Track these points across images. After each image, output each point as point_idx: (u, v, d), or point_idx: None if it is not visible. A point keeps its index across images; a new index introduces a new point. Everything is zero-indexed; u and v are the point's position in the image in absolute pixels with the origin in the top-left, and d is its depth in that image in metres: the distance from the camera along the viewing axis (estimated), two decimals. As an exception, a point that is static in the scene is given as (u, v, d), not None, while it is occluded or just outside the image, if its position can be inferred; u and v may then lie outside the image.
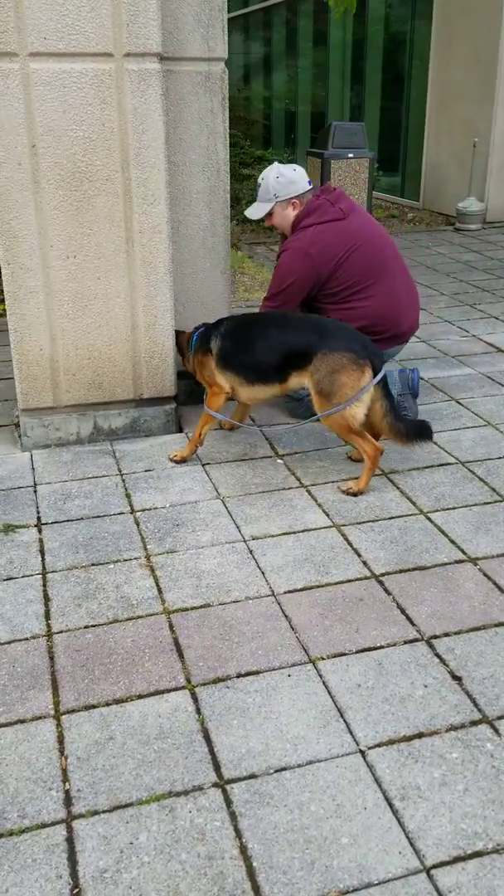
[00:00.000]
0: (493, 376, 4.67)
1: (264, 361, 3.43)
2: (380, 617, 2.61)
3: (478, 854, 1.80)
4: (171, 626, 2.58)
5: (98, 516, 3.25)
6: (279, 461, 3.69)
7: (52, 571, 2.89)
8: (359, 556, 2.94)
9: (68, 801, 1.97)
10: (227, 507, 3.29)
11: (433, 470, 3.56)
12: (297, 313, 3.78)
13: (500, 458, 3.66)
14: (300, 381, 3.38)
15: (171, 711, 2.23)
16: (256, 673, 2.37)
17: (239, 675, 2.36)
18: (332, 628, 2.55)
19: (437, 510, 3.23)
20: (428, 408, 4.20)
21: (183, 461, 3.68)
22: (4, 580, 2.84)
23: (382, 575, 2.83)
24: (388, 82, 11.66)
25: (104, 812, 1.94)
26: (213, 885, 1.75)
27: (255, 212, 3.94)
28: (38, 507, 3.32)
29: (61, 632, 2.57)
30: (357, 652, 2.45)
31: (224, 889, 1.74)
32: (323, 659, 2.42)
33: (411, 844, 1.83)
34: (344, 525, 3.15)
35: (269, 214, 3.92)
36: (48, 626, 2.60)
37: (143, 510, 3.29)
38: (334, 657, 2.42)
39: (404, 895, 1.71)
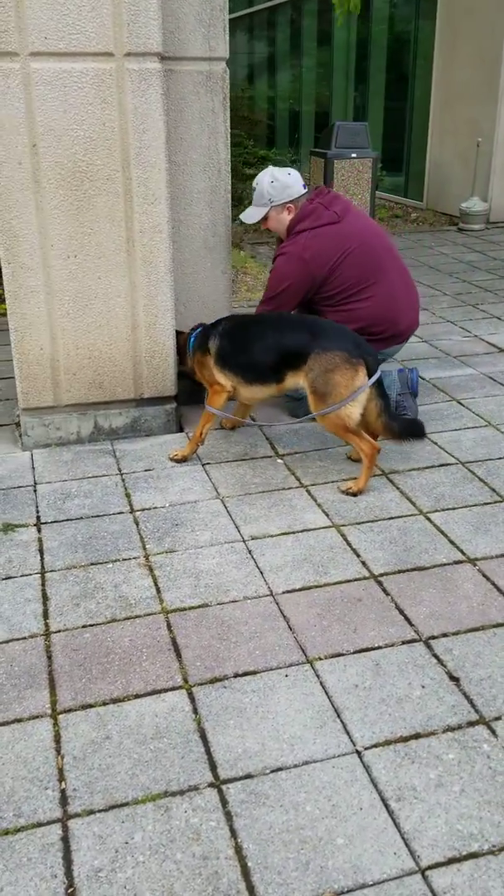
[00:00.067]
0: (494, 377, 4.66)
1: (261, 362, 3.45)
2: (378, 617, 2.60)
3: (473, 855, 1.80)
4: (168, 626, 2.58)
5: (97, 516, 3.25)
6: (279, 461, 3.69)
7: (51, 571, 2.89)
8: (358, 556, 2.94)
9: (64, 800, 1.97)
10: (226, 507, 3.29)
11: (433, 470, 3.56)
12: (293, 314, 3.79)
13: (500, 458, 3.65)
14: (296, 381, 3.39)
15: (168, 711, 2.23)
16: (254, 673, 2.37)
17: (236, 675, 2.36)
18: (330, 628, 2.55)
19: (436, 510, 3.23)
20: (429, 408, 4.19)
21: (184, 460, 3.68)
22: (3, 579, 2.84)
23: (381, 575, 2.82)
24: (392, 82, 11.65)
25: (100, 811, 1.94)
26: (208, 885, 1.75)
27: (250, 216, 3.94)
28: (37, 507, 3.32)
29: (59, 631, 2.57)
30: (355, 652, 2.44)
31: (218, 889, 1.74)
32: (320, 659, 2.42)
33: (406, 845, 1.83)
34: (343, 525, 3.14)
35: (265, 218, 3.92)
36: (46, 625, 2.60)
37: (143, 510, 3.29)
38: (332, 657, 2.42)
39: (399, 896, 1.72)
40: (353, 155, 7.75)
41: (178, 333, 3.87)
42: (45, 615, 2.65)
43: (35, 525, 3.18)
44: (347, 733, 2.14)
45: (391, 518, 3.19)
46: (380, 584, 2.78)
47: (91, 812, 1.93)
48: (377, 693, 2.28)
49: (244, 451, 3.79)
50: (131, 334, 3.78)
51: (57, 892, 1.75)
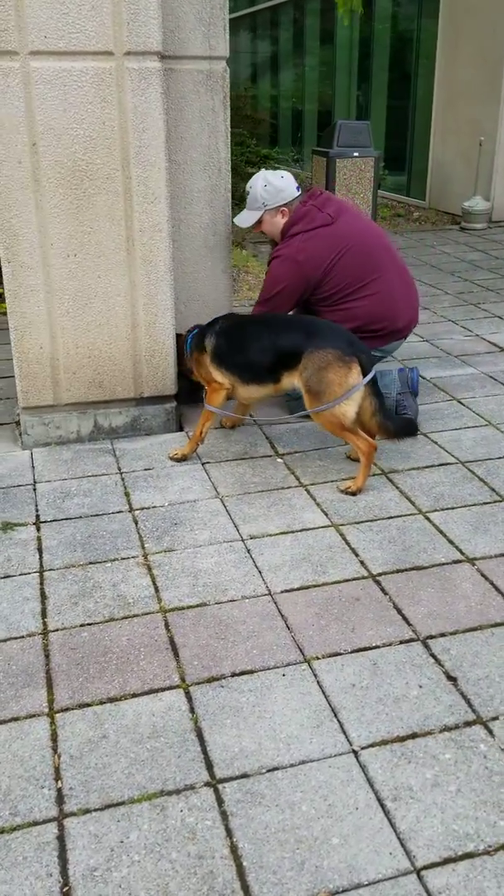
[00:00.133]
0: (495, 376, 4.66)
1: (257, 362, 3.47)
2: (376, 617, 2.60)
3: (469, 855, 1.80)
4: (166, 625, 2.58)
5: (97, 515, 3.25)
6: (279, 460, 3.68)
7: (50, 570, 2.89)
8: (356, 555, 2.94)
9: (60, 799, 1.97)
10: (225, 506, 3.29)
11: (433, 469, 3.55)
12: (287, 314, 3.80)
13: (500, 458, 3.64)
14: (292, 381, 3.41)
15: (165, 710, 2.23)
16: (251, 672, 2.37)
17: (233, 675, 2.36)
18: (328, 628, 2.55)
19: (435, 510, 3.22)
20: (429, 407, 4.19)
21: (183, 459, 3.68)
22: (2, 578, 2.84)
23: (379, 575, 2.82)
24: (395, 81, 11.64)
25: (96, 810, 1.94)
26: (203, 884, 1.75)
27: (244, 220, 3.94)
28: (37, 506, 3.32)
29: (57, 630, 2.57)
30: (352, 652, 2.44)
31: (213, 889, 1.74)
32: (318, 658, 2.42)
33: (402, 845, 1.83)
34: (342, 524, 3.14)
35: (259, 222, 3.92)
36: (44, 624, 2.60)
37: (142, 509, 3.29)
38: (329, 657, 2.42)
39: (394, 896, 1.71)
40: (356, 154, 7.75)
41: (177, 336, 3.87)
42: (44, 614, 2.65)
43: (34, 524, 3.19)
44: (344, 733, 2.14)
45: (390, 517, 3.19)
46: (378, 583, 2.77)
47: (87, 811, 1.94)
48: (374, 692, 2.27)
49: (244, 451, 3.79)
50: (131, 333, 3.78)
51: (52, 891, 1.75)
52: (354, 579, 2.80)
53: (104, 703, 2.26)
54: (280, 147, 15.57)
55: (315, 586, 2.77)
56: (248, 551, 2.97)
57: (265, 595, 2.72)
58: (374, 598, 2.69)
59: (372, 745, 2.10)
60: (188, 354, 3.75)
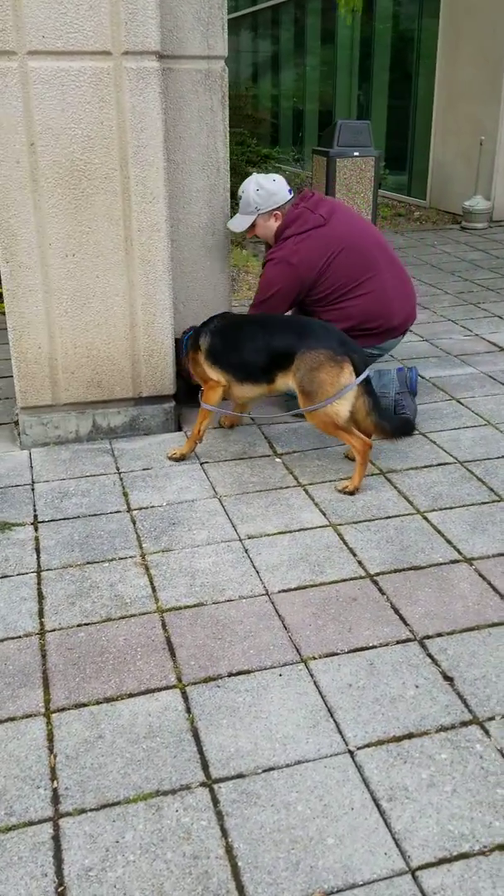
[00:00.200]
0: (494, 375, 4.65)
1: (251, 362, 3.49)
2: (373, 617, 2.60)
3: (463, 856, 1.80)
4: (163, 625, 2.58)
5: (95, 514, 3.25)
6: (277, 460, 3.68)
7: (47, 570, 2.89)
8: (354, 555, 2.94)
9: (56, 799, 1.97)
10: (223, 506, 3.29)
11: (431, 469, 3.55)
12: (281, 315, 3.80)
13: (498, 457, 3.64)
14: (285, 381, 3.43)
15: (161, 710, 2.23)
16: (248, 672, 2.36)
17: (230, 675, 2.36)
18: (325, 628, 2.55)
19: (434, 510, 3.22)
20: (428, 407, 4.19)
21: (182, 458, 3.69)
22: (-1, 578, 2.85)
23: (377, 575, 2.82)
24: (396, 81, 11.63)
25: (91, 810, 1.94)
26: (198, 884, 1.75)
27: (237, 225, 3.94)
28: (35, 505, 3.32)
29: (54, 630, 2.57)
30: (349, 652, 2.44)
31: (208, 889, 1.74)
32: (315, 658, 2.41)
33: (397, 845, 1.82)
34: (340, 524, 3.14)
35: (252, 226, 3.92)
36: (41, 624, 2.60)
37: (140, 508, 3.29)
38: (326, 657, 2.42)
39: (389, 896, 1.71)
40: (356, 153, 7.73)
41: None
42: (41, 614, 2.65)
43: (32, 524, 3.19)
44: (340, 733, 2.14)
45: (388, 517, 3.18)
46: (375, 583, 2.77)
47: (82, 811, 1.94)
48: (371, 693, 2.27)
49: (242, 450, 3.79)
50: (129, 333, 3.78)
51: (47, 891, 1.75)
52: (352, 579, 2.80)
53: (100, 703, 2.26)
54: (281, 146, 15.57)
55: (312, 586, 2.76)
56: (246, 551, 2.97)
57: (262, 595, 2.72)
58: (372, 598, 2.69)
59: (368, 746, 2.09)
60: (185, 355, 3.76)
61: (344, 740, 2.11)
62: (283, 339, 3.40)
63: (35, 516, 3.24)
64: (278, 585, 2.77)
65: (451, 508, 3.23)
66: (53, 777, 2.03)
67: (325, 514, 3.21)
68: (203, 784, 2.00)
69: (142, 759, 2.07)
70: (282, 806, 1.93)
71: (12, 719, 2.21)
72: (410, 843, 1.83)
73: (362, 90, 12.70)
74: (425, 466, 3.58)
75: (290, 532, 3.09)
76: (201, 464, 3.66)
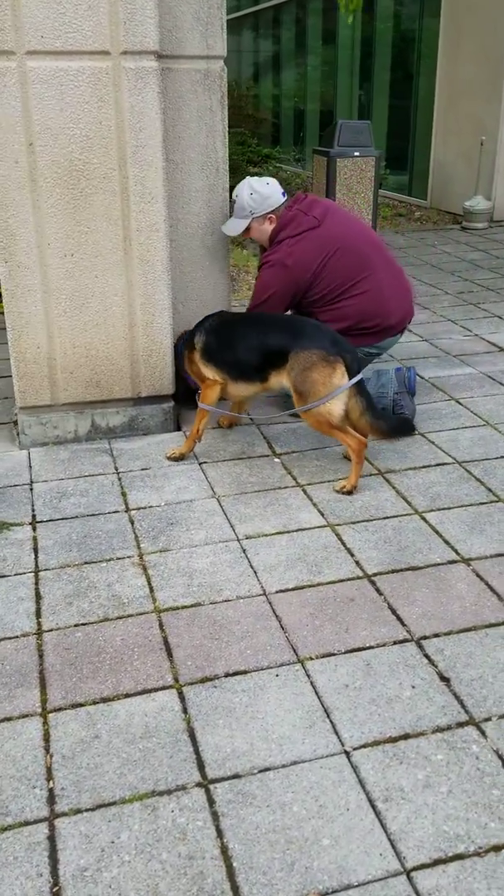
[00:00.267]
0: (494, 376, 4.65)
1: (244, 361, 3.50)
2: (370, 617, 2.60)
3: (459, 857, 1.79)
4: (161, 625, 2.58)
5: (93, 514, 3.25)
6: (276, 460, 3.68)
7: (45, 569, 2.89)
8: (352, 555, 2.93)
9: (52, 799, 1.97)
10: (222, 506, 3.29)
11: (430, 469, 3.55)
12: (276, 314, 3.80)
13: (497, 458, 3.64)
14: (279, 380, 3.44)
15: (158, 710, 2.23)
16: (244, 672, 2.36)
17: (227, 675, 2.36)
18: (322, 628, 2.54)
19: (432, 510, 3.22)
20: (427, 407, 4.18)
21: (181, 458, 3.69)
22: (-3, 578, 2.85)
23: (375, 575, 2.82)
24: (397, 80, 11.63)
25: (87, 811, 1.94)
26: (193, 884, 1.75)
27: (231, 228, 3.94)
28: (33, 505, 3.32)
29: (51, 630, 2.57)
30: (346, 652, 2.44)
31: (203, 889, 1.74)
32: (311, 659, 2.41)
33: (392, 846, 1.82)
34: (338, 524, 3.14)
35: (247, 229, 3.93)
36: (38, 624, 2.60)
37: (139, 508, 3.29)
38: (323, 657, 2.42)
39: (383, 897, 1.71)
40: (356, 153, 7.73)
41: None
42: (38, 614, 2.65)
43: (30, 524, 3.19)
44: (336, 733, 2.14)
45: (386, 517, 3.18)
46: (373, 583, 2.77)
47: (78, 811, 1.94)
48: (367, 693, 2.27)
49: (241, 450, 3.79)
50: (128, 333, 3.78)
51: (42, 892, 1.75)
52: (349, 579, 2.80)
53: (97, 703, 2.26)
54: (282, 146, 15.56)
55: (310, 586, 2.76)
56: (244, 551, 2.97)
57: (260, 595, 2.72)
58: (369, 599, 2.69)
59: (364, 746, 2.09)
60: (182, 354, 3.77)
61: (340, 741, 2.11)
62: (276, 338, 3.41)
63: (33, 516, 3.24)
64: (276, 585, 2.77)
65: (449, 509, 3.23)
66: (49, 777, 2.03)
67: (323, 515, 3.21)
68: (199, 784, 2.00)
69: (138, 759, 2.07)
70: (277, 806, 1.93)
71: (9, 719, 2.21)
72: (406, 844, 1.83)
73: (363, 90, 12.69)
74: (424, 467, 3.58)
75: (288, 532, 3.09)
76: (200, 464, 3.66)
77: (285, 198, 3.90)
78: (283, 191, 3.91)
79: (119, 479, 3.54)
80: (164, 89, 3.60)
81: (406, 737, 2.12)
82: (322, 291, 3.81)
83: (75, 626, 2.59)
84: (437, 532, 3.07)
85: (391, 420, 3.52)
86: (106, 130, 3.44)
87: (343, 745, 2.10)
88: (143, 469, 3.62)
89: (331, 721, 2.18)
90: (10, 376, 3.95)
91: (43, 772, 2.04)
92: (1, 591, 2.77)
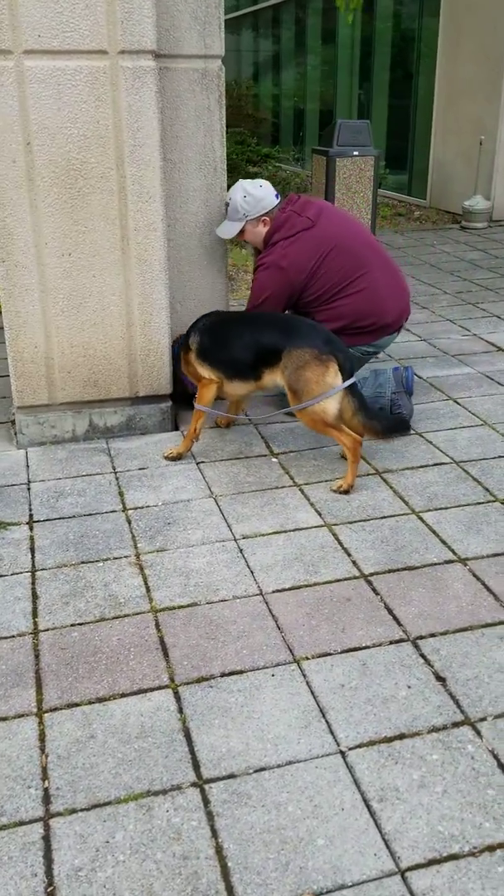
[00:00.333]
0: (492, 375, 4.65)
1: (239, 359, 3.51)
2: (366, 617, 2.60)
3: (453, 857, 1.79)
4: (157, 625, 2.58)
5: (90, 514, 3.25)
6: (273, 460, 3.68)
7: (42, 569, 2.89)
8: (348, 555, 2.93)
9: (47, 798, 1.97)
10: (219, 506, 3.29)
11: (427, 469, 3.55)
12: (270, 313, 3.80)
13: (495, 457, 3.64)
14: (273, 378, 3.45)
15: (154, 710, 2.23)
16: (240, 672, 2.36)
17: (223, 675, 2.36)
18: (319, 628, 2.54)
19: (429, 510, 3.22)
20: (425, 407, 4.18)
21: (178, 458, 3.68)
22: (-7, 577, 2.85)
23: (371, 575, 2.82)
24: (396, 80, 11.62)
25: (82, 810, 1.94)
26: (187, 884, 1.75)
27: (226, 231, 3.94)
28: (30, 505, 3.32)
29: (47, 630, 2.57)
30: (342, 652, 2.44)
31: (197, 889, 1.74)
32: (307, 659, 2.41)
33: (387, 846, 1.82)
34: (335, 524, 3.14)
35: (241, 232, 3.93)
36: (35, 623, 2.60)
37: (136, 508, 3.29)
38: (319, 657, 2.42)
39: (378, 897, 1.71)
40: (355, 153, 7.72)
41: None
42: (34, 614, 2.65)
43: (27, 523, 3.19)
44: (332, 733, 2.14)
45: (383, 517, 3.18)
46: (370, 583, 2.77)
47: (73, 811, 1.93)
48: (363, 693, 2.27)
49: (239, 450, 3.79)
50: (126, 332, 3.78)
51: (36, 891, 1.75)
52: (346, 579, 2.80)
53: (93, 703, 2.26)
54: (281, 146, 15.56)
55: (306, 586, 2.76)
56: (241, 551, 2.97)
57: (256, 595, 2.72)
58: (366, 599, 2.69)
59: (359, 746, 2.09)
60: (180, 355, 3.79)
61: (335, 741, 2.11)
62: (269, 337, 3.42)
63: (30, 516, 3.24)
64: (272, 585, 2.77)
65: (446, 508, 3.22)
66: (45, 777, 2.03)
67: (320, 514, 3.21)
68: (194, 784, 2.00)
69: (133, 759, 2.07)
70: (272, 806, 1.93)
71: (4, 719, 2.21)
72: (400, 844, 1.83)
73: (363, 89, 12.69)
74: (421, 466, 3.58)
75: (285, 532, 3.09)
76: (197, 463, 3.66)
77: (278, 200, 3.90)
78: (276, 193, 3.91)
79: (116, 478, 3.54)
80: (161, 88, 3.60)
81: (401, 737, 2.12)
82: (318, 291, 3.81)
83: (72, 625, 2.59)
84: (433, 532, 3.06)
85: (384, 419, 3.51)
86: (103, 130, 3.44)
87: (338, 745, 2.10)
88: (140, 469, 3.62)
89: (326, 721, 2.18)
90: (8, 376, 3.95)
91: (38, 772, 2.04)
92: (-3, 590, 2.77)
